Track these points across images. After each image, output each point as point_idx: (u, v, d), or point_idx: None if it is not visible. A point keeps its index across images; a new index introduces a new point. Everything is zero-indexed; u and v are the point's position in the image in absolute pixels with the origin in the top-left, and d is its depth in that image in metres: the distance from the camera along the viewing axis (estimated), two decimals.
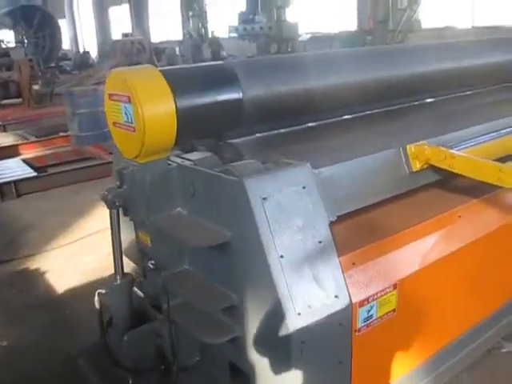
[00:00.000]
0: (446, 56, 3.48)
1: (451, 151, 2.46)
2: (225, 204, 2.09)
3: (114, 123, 2.33)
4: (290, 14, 18.91)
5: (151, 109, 2.11)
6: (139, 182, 2.27)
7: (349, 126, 2.97)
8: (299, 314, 1.97)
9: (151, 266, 2.38)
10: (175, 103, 2.17)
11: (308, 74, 2.63)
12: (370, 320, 2.23)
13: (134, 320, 2.55)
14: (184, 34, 23.32)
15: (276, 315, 1.97)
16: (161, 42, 25.43)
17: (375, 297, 2.22)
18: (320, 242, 2.07)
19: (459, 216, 2.64)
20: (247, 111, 2.42)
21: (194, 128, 2.30)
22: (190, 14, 22.00)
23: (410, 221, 2.45)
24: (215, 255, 2.19)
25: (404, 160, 2.51)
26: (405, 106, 3.31)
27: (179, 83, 2.22)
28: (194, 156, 2.42)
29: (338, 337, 2.12)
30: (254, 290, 2.05)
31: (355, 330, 2.17)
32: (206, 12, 22.13)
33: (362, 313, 2.18)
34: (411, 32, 16.92)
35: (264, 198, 1.96)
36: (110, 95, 2.30)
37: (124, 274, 2.49)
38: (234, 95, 2.39)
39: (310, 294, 2.02)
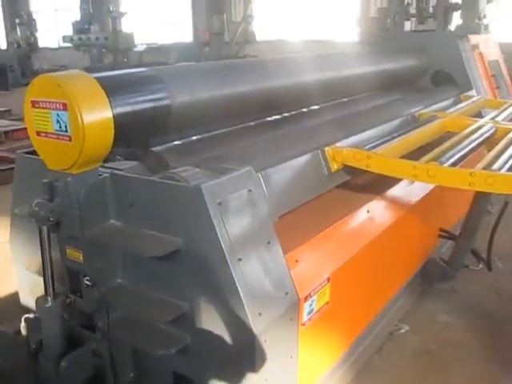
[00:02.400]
0: (329, 66, 3.75)
1: (367, 151, 2.67)
2: (173, 211, 2.06)
3: (39, 132, 2.18)
4: (125, 24, 18.65)
5: (91, 116, 2.01)
6: (73, 195, 2.15)
7: (261, 129, 3.07)
8: (260, 314, 2.01)
9: (87, 283, 2.26)
10: (112, 110, 2.10)
11: (232, 79, 2.70)
12: (312, 313, 2.35)
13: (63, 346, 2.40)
14: (9, 43, 21.81)
15: (238, 317, 1.99)
16: None
17: (315, 291, 2.34)
18: (269, 243, 2.14)
19: (368, 211, 2.87)
20: (175, 117, 2.41)
21: (128, 135, 2.24)
22: (17, 21, 20.66)
23: (333, 217, 2.62)
24: (159, 265, 2.15)
25: (323, 162, 2.67)
26: (313, 110, 3.51)
27: (113, 89, 2.15)
28: (121, 165, 2.35)
29: (288, 332, 2.21)
30: (210, 296, 2.04)
31: (302, 324, 2.27)
32: (34, 20, 20.94)
33: (306, 307, 2.29)
34: (247, 44, 17.56)
35: (219, 203, 1.98)
36: (35, 102, 2.14)
37: (55, 295, 2.33)
38: (163, 101, 2.37)
39: (266, 294, 2.08)
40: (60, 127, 2.08)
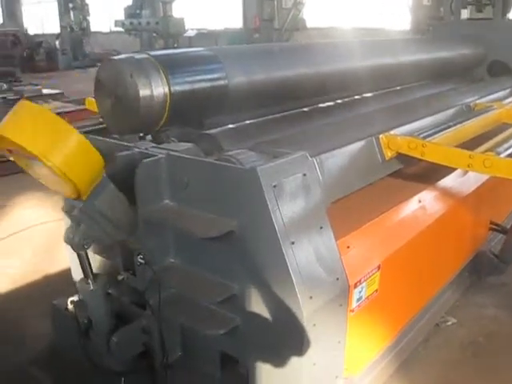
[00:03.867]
0: (382, 52, 3.71)
1: (422, 140, 2.64)
2: (228, 193, 2.08)
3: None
4: (176, 10, 18.76)
5: (59, 158, 1.87)
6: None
7: (313, 115, 3.07)
8: (311, 297, 2.02)
9: (141, 261, 2.31)
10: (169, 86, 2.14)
11: (288, 62, 2.71)
12: (361, 300, 2.35)
13: (114, 321, 2.47)
14: (62, 27, 22.27)
15: (288, 300, 2.01)
16: (36, 35, 24.11)
17: (365, 278, 2.33)
18: (321, 228, 2.14)
19: (419, 201, 2.84)
20: (231, 97, 2.44)
21: (184, 113, 2.28)
22: (71, 5, 21.05)
23: (385, 205, 2.61)
24: (212, 246, 2.18)
25: (377, 149, 2.65)
26: (365, 97, 3.49)
27: (171, 67, 2.20)
28: (176, 147, 2.39)
29: (337, 317, 2.21)
30: (261, 278, 2.06)
31: (350, 310, 2.27)
32: (87, 5, 21.29)
33: (355, 293, 2.29)
34: (297, 31, 17.46)
35: (274, 186, 1.99)
36: (10, 151, 1.96)
37: (95, 277, 2.40)
38: (220, 81, 2.39)
39: (318, 278, 2.08)
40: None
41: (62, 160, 1.87)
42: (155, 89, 2.21)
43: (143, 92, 2.20)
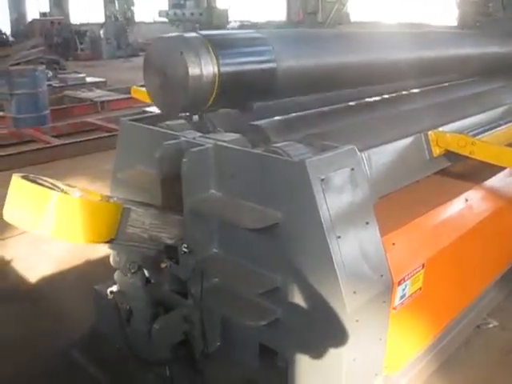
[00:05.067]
0: (431, 44, 3.63)
1: (471, 138, 2.59)
2: (275, 185, 2.08)
3: None
4: (220, 1, 18.85)
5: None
6: None
7: (361, 110, 3.04)
8: (354, 292, 2.01)
9: (185, 250, 2.32)
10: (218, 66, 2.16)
11: (337, 48, 2.69)
12: (404, 298, 2.32)
13: (154, 310, 2.51)
14: (107, 16, 22.57)
15: (332, 295, 2.00)
16: (81, 24, 24.46)
17: (409, 276, 2.30)
18: (367, 223, 2.12)
19: (466, 200, 2.79)
20: (279, 81, 2.42)
21: (232, 93, 2.30)
22: None
23: (431, 203, 2.57)
24: (256, 237, 2.18)
25: (425, 146, 2.61)
26: (412, 92, 3.44)
27: (220, 47, 2.22)
28: (224, 137, 2.39)
29: (380, 314, 2.19)
30: (306, 271, 2.06)
31: (393, 308, 2.25)
32: None
33: (399, 291, 2.26)
34: (340, 25, 17.28)
35: (322, 180, 1.98)
36: None
37: (133, 267, 2.44)
38: (269, 64, 2.39)
39: (362, 274, 2.07)
40: None
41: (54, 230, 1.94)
42: (204, 68, 2.19)
43: (192, 70, 2.18)
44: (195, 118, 2.56)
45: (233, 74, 2.22)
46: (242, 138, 2.40)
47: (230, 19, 18.71)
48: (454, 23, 13.70)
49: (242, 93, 2.36)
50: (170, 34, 2.35)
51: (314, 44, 2.66)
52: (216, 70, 2.15)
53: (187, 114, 2.55)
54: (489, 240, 2.99)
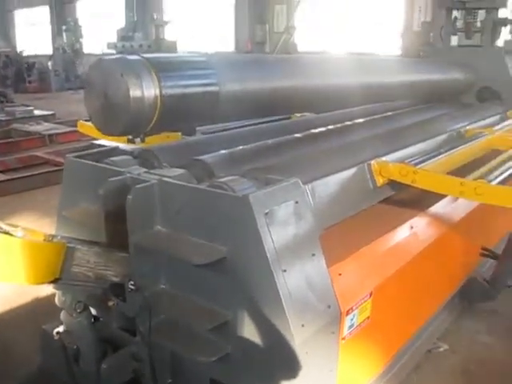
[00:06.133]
0: (372, 71, 3.73)
1: (413, 167, 2.66)
2: (220, 220, 2.08)
3: None
4: (168, 33, 18.93)
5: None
6: None
7: (305, 141, 3.09)
8: (303, 325, 2.01)
9: (131, 287, 2.29)
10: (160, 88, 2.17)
11: (280, 72, 2.72)
12: (353, 328, 2.34)
13: (102, 348, 2.46)
14: (55, 49, 22.38)
15: (280, 328, 2.00)
16: (28, 56, 24.15)
17: (357, 305, 2.32)
18: (313, 255, 2.14)
19: (411, 227, 2.85)
20: (222, 105, 2.43)
21: (174, 116, 2.30)
22: (64, 27, 21.21)
23: (377, 232, 2.61)
24: (203, 272, 2.17)
25: (369, 176, 2.66)
26: (356, 123, 3.52)
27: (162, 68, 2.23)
28: (168, 172, 2.39)
29: (329, 345, 2.20)
30: (253, 305, 2.05)
31: (342, 338, 2.26)
32: (80, 27, 21.44)
33: (347, 321, 2.28)
34: (288, 54, 17.61)
35: (266, 213, 1.99)
36: None
37: (79, 307, 2.40)
38: (212, 87, 2.40)
39: (309, 306, 2.08)
40: None
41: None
42: (146, 90, 2.15)
43: (133, 92, 2.13)
44: (137, 140, 2.54)
45: (175, 97, 2.20)
46: (186, 173, 2.41)
47: (178, 51, 18.79)
48: (398, 53, 14.17)
49: (185, 116, 2.35)
50: (111, 56, 2.32)
51: (258, 68, 2.68)
52: (158, 92, 2.14)
53: (129, 136, 2.54)
54: (435, 265, 3.06)
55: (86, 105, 2.36)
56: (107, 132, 2.32)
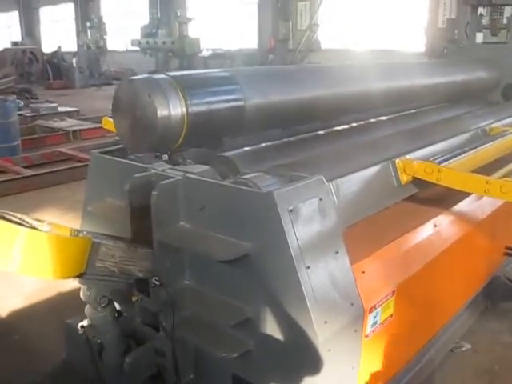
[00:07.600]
0: (397, 74, 3.73)
1: (438, 165, 2.64)
2: (244, 216, 2.09)
3: None
4: (192, 30, 19.02)
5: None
6: None
7: (329, 139, 3.09)
8: (325, 322, 2.01)
9: (155, 283, 2.31)
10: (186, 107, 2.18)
11: (304, 84, 2.74)
12: (376, 325, 2.33)
13: (126, 343, 2.48)
14: (79, 45, 22.60)
15: (303, 325, 2.00)
16: (53, 53, 24.40)
17: (380, 303, 2.32)
18: (337, 253, 2.14)
19: (435, 225, 2.83)
20: (248, 118, 2.46)
21: (200, 133, 2.31)
22: (88, 24, 21.41)
23: (400, 230, 2.60)
24: (227, 268, 2.18)
25: (393, 174, 2.65)
26: (380, 120, 3.51)
27: (189, 87, 2.23)
28: (193, 169, 2.40)
29: (352, 343, 2.20)
30: (276, 302, 2.06)
31: (365, 336, 2.26)
32: (104, 24, 21.61)
33: (370, 319, 2.27)
34: (311, 52, 17.57)
35: (290, 210, 1.99)
36: None
37: (103, 301, 2.42)
38: (237, 102, 2.42)
39: (333, 303, 2.08)
40: None
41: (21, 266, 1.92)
42: (173, 109, 2.24)
43: (161, 112, 2.23)
44: (164, 157, 2.58)
45: (201, 114, 2.26)
46: (211, 169, 2.42)
47: (201, 47, 18.86)
48: (422, 49, 14.05)
49: (211, 131, 2.40)
50: (138, 76, 2.37)
51: (281, 80, 2.72)
52: (184, 110, 2.19)
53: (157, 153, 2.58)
54: (459, 264, 3.04)
55: (115, 124, 2.43)
56: (136, 150, 2.37)
